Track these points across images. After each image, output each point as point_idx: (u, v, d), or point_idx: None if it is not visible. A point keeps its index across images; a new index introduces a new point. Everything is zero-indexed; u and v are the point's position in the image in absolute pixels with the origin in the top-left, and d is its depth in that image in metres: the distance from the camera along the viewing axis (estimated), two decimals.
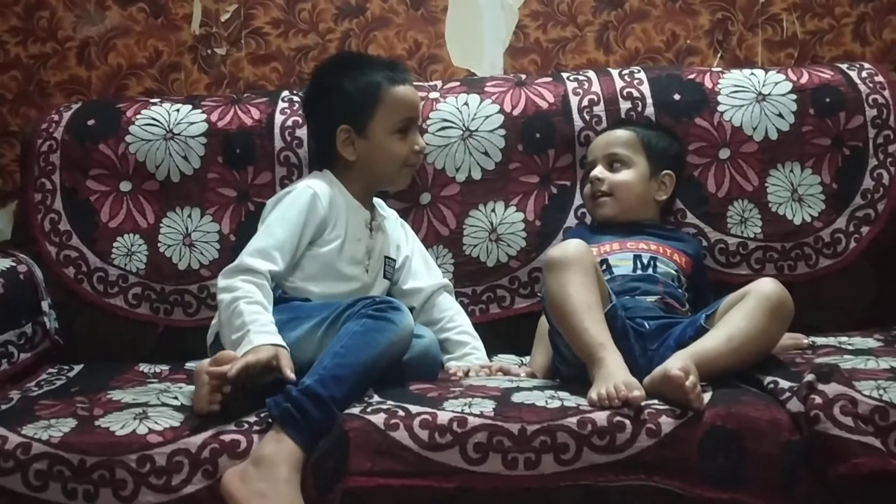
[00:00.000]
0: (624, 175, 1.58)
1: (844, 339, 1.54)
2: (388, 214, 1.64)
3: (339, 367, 1.22)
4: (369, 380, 1.25)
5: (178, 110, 1.75)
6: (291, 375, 1.22)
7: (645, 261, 1.48)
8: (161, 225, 1.69)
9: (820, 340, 1.51)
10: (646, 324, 1.37)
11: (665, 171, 1.60)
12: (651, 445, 1.12)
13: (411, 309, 1.49)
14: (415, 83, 1.78)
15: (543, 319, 1.50)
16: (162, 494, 1.13)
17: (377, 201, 1.64)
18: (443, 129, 1.71)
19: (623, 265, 1.49)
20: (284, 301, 1.44)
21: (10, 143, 1.94)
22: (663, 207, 1.63)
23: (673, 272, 1.49)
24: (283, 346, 1.28)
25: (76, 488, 1.13)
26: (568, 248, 1.32)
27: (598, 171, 1.59)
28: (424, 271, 1.61)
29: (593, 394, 1.17)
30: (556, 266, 1.30)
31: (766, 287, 1.28)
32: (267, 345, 1.27)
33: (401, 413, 1.15)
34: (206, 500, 1.13)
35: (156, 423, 1.19)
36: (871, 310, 1.67)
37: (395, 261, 1.60)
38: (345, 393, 1.20)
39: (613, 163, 1.59)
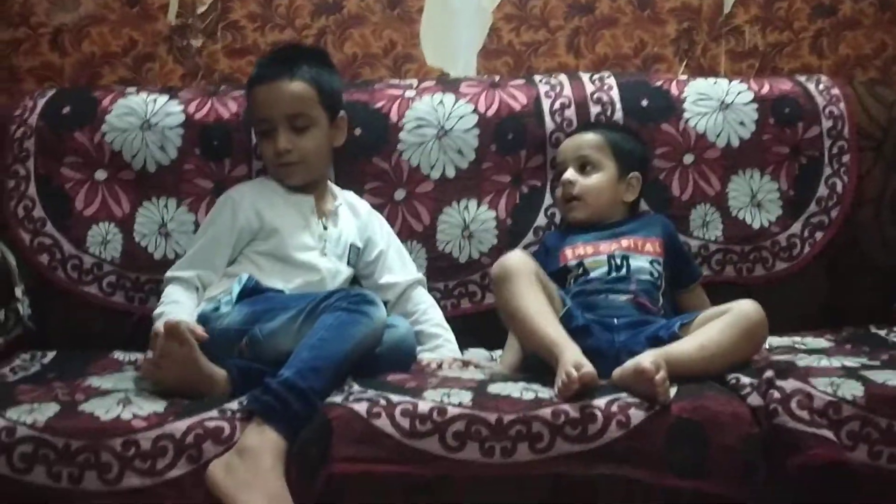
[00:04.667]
0: (594, 179, 1.63)
1: (798, 339, 1.61)
2: (356, 204, 1.67)
3: (316, 359, 1.25)
4: (345, 370, 1.29)
5: (154, 101, 1.75)
6: (200, 332, 1.30)
7: (618, 261, 1.53)
8: (137, 214, 1.70)
9: (775, 341, 1.58)
10: (615, 319, 1.43)
11: (632, 174, 1.65)
12: (620, 436, 1.18)
13: (386, 303, 1.53)
14: (389, 82, 1.83)
15: None
16: (147, 478, 1.14)
17: (340, 191, 1.67)
18: (418, 127, 1.75)
19: (598, 268, 1.54)
20: (260, 292, 1.46)
21: None
22: (630, 206, 1.68)
23: (647, 265, 1.54)
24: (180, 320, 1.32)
25: (61, 471, 1.14)
26: (508, 261, 1.38)
27: (570, 174, 1.63)
28: (399, 266, 1.64)
29: (555, 389, 1.22)
30: (500, 280, 1.36)
31: (746, 307, 1.34)
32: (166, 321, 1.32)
33: (382, 402, 1.19)
34: (191, 485, 1.15)
35: (139, 408, 1.21)
36: (822, 311, 1.75)
37: (360, 248, 1.63)
38: (323, 384, 1.23)
39: (584, 165, 1.64)
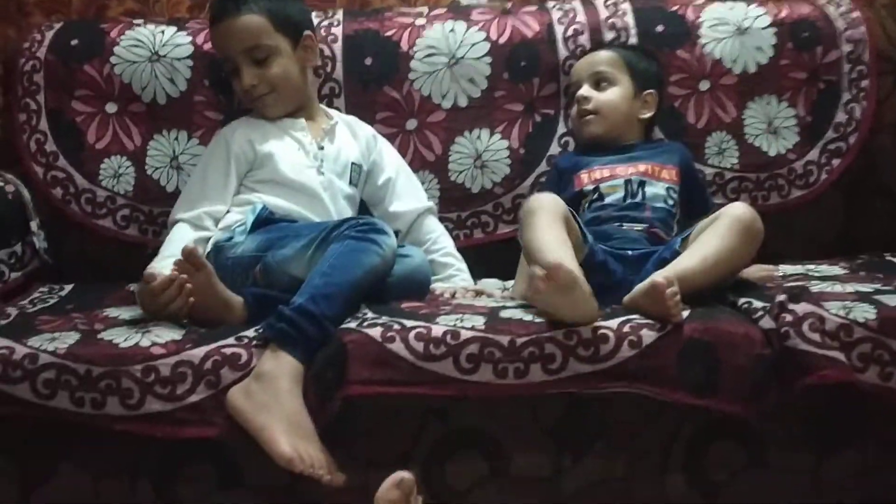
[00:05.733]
0: (610, 94, 1.60)
1: (812, 266, 1.61)
2: (355, 126, 1.66)
3: (327, 286, 1.25)
4: (357, 297, 1.29)
5: (162, 32, 1.73)
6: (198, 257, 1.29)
7: (635, 186, 1.52)
8: (148, 147, 1.70)
9: (789, 268, 1.57)
10: (629, 251, 1.42)
11: (648, 91, 1.63)
12: (633, 356, 1.19)
13: (397, 232, 1.53)
14: (399, 10, 1.80)
15: None
16: (167, 403, 1.17)
17: (338, 113, 1.67)
18: (429, 55, 1.73)
19: (614, 193, 1.53)
20: (273, 222, 1.47)
21: None
22: (646, 127, 1.67)
23: (663, 192, 1.53)
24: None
25: (83, 397, 1.16)
26: (540, 198, 1.38)
27: (585, 90, 1.61)
28: (410, 193, 1.64)
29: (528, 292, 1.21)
30: (524, 214, 1.35)
31: (736, 210, 1.34)
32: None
33: (396, 327, 1.20)
34: (211, 409, 1.17)
35: (158, 336, 1.22)
36: (838, 239, 1.74)
37: (362, 168, 1.62)
38: (335, 310, 1.24)
39: (599, 82, 1.61)
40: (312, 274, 1.28)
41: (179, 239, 1.46)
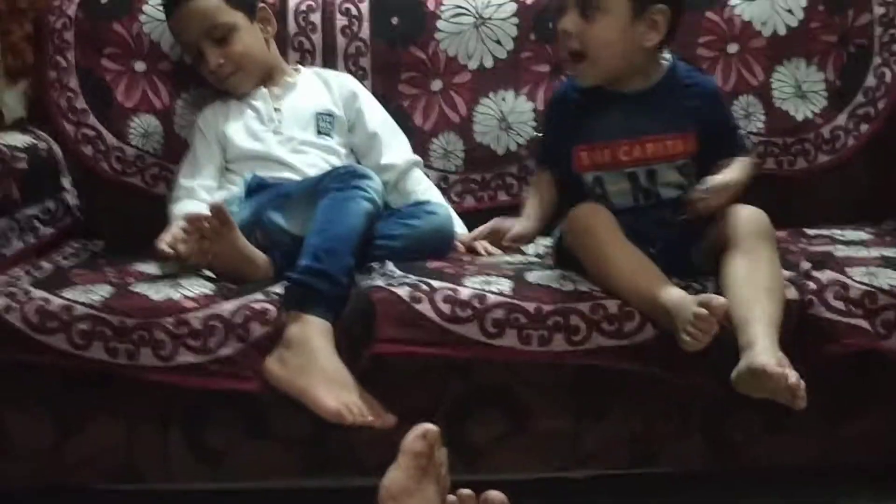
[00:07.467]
0: (600, 29, 1.24)
1: (837, 231, 1.60)
2: (329, 78, 1.66)
3: (326, 242, 1.27)
4: (358, 244, 1.30)
5: None
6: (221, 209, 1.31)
7: (643, 179, 1.30)
8: (176, 106, 1.72)
9: (814, 233, 1.57)
10: (650, 248, 1.26)
11: (656, 6, 1.26)
12: (655, 336, 1.20)
13: (385, 184, 1.52)
14: None
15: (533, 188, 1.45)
16: (199, 355, 1.20)
17: (312, 69, 1.68)
18: (456, 15, 1.72)
19: (621, 195, 1.31)
20: (264, 187, 1.49)
21: (19, 20, 1.92)
22: (656, 51, 1.32)
23: (676, 177, 1.31)
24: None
25: (118, 347, 1.19)
26: (586, 210, 1.26)
27: (569, 21, 1.26)
28: (397, 147, 1.64)
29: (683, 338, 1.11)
30: (583, 233, 1.24)
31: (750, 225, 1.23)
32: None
33: (424, 287, 1.22)
34: (241, 362, 1.20)
35: (189, 290, 1.25)
36: (864, 205, 1.72)
37: (332, 115, 1.62)
38: (341, 261, 1.26)
39: (586, 9, 1.25)
40: (309, 235, 1.30)
41: (192, 207, 1.48)
